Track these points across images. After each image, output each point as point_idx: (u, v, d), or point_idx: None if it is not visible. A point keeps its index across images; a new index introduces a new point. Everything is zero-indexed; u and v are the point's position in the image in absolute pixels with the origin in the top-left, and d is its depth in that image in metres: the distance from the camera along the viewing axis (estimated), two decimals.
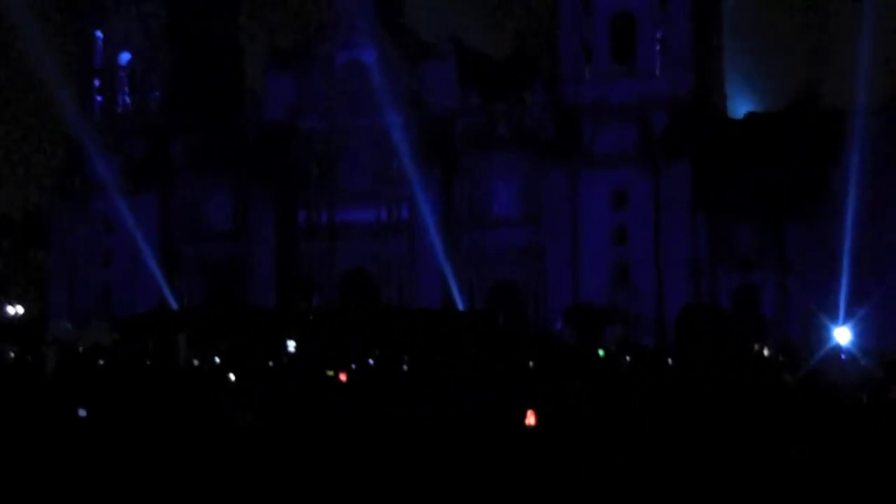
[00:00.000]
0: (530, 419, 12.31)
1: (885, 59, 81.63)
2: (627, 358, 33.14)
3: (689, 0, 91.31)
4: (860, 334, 63.61)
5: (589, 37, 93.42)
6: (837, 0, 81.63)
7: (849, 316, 74.78)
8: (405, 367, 23.07)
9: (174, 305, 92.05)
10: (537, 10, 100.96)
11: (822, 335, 59.52)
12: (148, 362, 18.78)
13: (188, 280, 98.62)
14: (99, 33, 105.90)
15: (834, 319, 74.65)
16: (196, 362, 31.49)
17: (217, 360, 30.95)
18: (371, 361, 26.92)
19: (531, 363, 20.99)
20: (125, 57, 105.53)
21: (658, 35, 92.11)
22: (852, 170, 78.24)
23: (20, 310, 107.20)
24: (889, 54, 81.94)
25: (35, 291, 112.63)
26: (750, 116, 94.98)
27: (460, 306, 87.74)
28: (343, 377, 21.33)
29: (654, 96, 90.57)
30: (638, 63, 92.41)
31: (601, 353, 34.00)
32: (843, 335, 57.22)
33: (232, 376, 20.31)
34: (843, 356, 29.48)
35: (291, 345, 42.39)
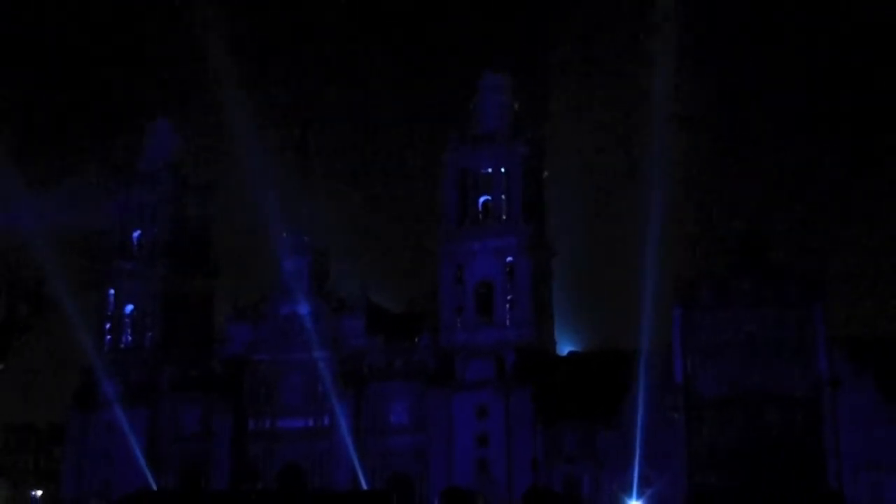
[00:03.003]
0: None
1: (664, 313, 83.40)
2: None
3: (528, 274, 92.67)
4: None
5: (461, 299, 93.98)
6: (629, 268, 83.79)
7: (640, 495, 75.51)
8: None
9: (154, 488, 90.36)
10: (425, 279, 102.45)
11: None
12: None
13: (166, 470, 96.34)
14: (112, 291, 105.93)
15: (630, 497, 75.41)
16: None
17: None
18: None
19: None
20: (129, 308, 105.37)
21: (508, 298, 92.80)
22: (640, 390, 79.64)
23: (39, 493, 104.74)
24: (665, 312, 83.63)
25: (51, 480, 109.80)
26: (571, 354, 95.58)
27: (365, 488, 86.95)
28: None
29: (505, 340, 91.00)
30: (494, 317, 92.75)
31: None
32: None
33: None
34: None
35: None
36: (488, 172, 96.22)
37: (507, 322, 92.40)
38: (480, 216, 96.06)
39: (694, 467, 79.69)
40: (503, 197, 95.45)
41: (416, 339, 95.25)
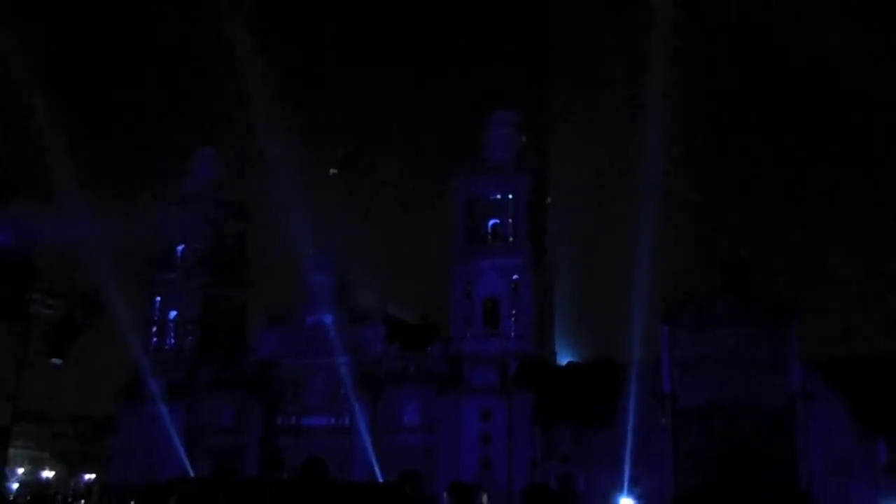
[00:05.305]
0: None
1: (653, 330, 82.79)
2: None
3: (531, 291, 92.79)
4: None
5: (469, 312, 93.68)
6: (623, 288, 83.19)
7: (630, 492, 75.08)
8: None
9: (192, 475, 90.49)
10: (438, 294, 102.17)
11: None
12: None
13: (202, 459, 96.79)
14: (158, 299, 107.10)
15: (621, 493, 75.00)
16: None
17: None
18: None
19: None
20: (172, 314, 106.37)
21: (513, 312, 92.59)
22: (631, 399, 79.33)
23: (92, 476, 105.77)
24: (654, 329, 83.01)
25: (101, 465, 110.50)
26: (570, 365, 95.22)
27: (380, 480, 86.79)
28: None
29: (509, 350, 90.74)
30: (500, 329, 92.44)
31: None
32: None
33: None
34: None
35: None
36: (496, 199, 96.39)
37: (512, 334, 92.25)
38: (489, 238, 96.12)
39: (679, 469, 79.41)
40: (510, 221, 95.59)
41: (429, 348, 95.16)
